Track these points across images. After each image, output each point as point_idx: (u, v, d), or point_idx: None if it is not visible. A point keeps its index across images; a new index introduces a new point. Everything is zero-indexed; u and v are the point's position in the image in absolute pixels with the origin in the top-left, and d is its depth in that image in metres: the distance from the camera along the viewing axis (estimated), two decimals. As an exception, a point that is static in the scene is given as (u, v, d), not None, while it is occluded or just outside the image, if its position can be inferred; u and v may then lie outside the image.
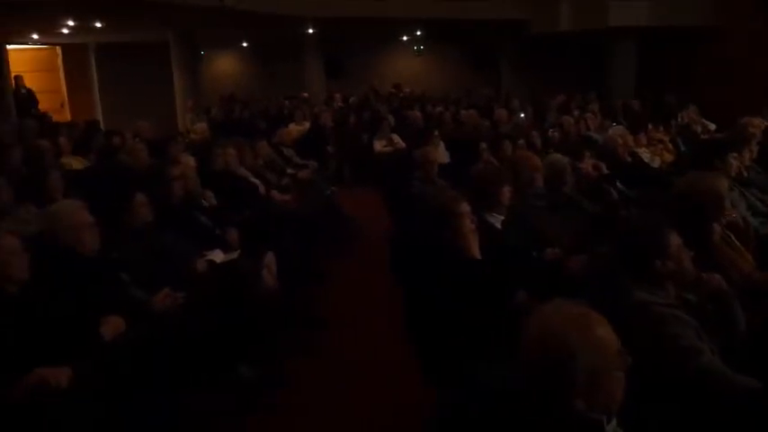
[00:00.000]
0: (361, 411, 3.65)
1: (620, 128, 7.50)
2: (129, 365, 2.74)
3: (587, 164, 5.27)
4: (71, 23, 12.15)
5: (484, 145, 6.60)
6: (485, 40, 16.84)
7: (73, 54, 16.35)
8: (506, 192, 3.64)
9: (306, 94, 14.84)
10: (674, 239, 2.48)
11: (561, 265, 3.47)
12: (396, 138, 9.82)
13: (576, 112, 10.21)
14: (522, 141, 6.80)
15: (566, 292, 2.07)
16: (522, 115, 10.84)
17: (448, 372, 2.74)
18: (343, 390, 3.90)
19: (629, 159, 6.19)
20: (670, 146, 7.64)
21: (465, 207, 3.12)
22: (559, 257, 3.57)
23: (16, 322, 2.71)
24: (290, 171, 7.45)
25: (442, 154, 7.42)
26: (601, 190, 4.95)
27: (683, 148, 7.70)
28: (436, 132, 8.33)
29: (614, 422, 1.66)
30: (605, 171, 5.40)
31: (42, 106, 13.00)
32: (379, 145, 9.78)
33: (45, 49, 15.94)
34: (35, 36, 14.34)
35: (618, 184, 5.26)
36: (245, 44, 18.06)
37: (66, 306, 2.92)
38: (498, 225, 3.57)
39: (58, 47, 16.07)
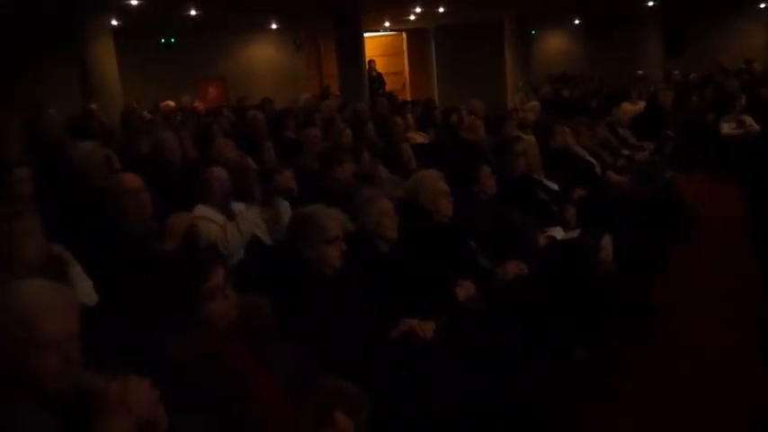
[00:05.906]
0: (692, 407, 3.39)
1: None
2: (481, 330, 2.91)
3: None
4: (418, 10, 13.16)
5: None
6: None
7: (415, 38, 17.72)
8: None
9: (641, 72, 13.99)
10: None
11: None
12: (748, 119, 8.78)
13: None
14: None
15: None
16: None
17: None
18: (674, 382, 3.66)
19: None
20: None
21: None
22: None
23: (387, 276, 3.06)
24: (625, 152, 7.13)
25: (814, 138, 6.40)
26: None
27: None
28: (805, 114, 7.23)
29: None
30: None
31: (387, 87, 14.51)
32: (727, 127, 8.88)
33: (392, 35, 17.57)
34: (386, 24, 15.89)
35: None
36: (576, 21, 17.63)
37: (428, 266, 3.22)
38: None
39: (403, 32, 17.57)
